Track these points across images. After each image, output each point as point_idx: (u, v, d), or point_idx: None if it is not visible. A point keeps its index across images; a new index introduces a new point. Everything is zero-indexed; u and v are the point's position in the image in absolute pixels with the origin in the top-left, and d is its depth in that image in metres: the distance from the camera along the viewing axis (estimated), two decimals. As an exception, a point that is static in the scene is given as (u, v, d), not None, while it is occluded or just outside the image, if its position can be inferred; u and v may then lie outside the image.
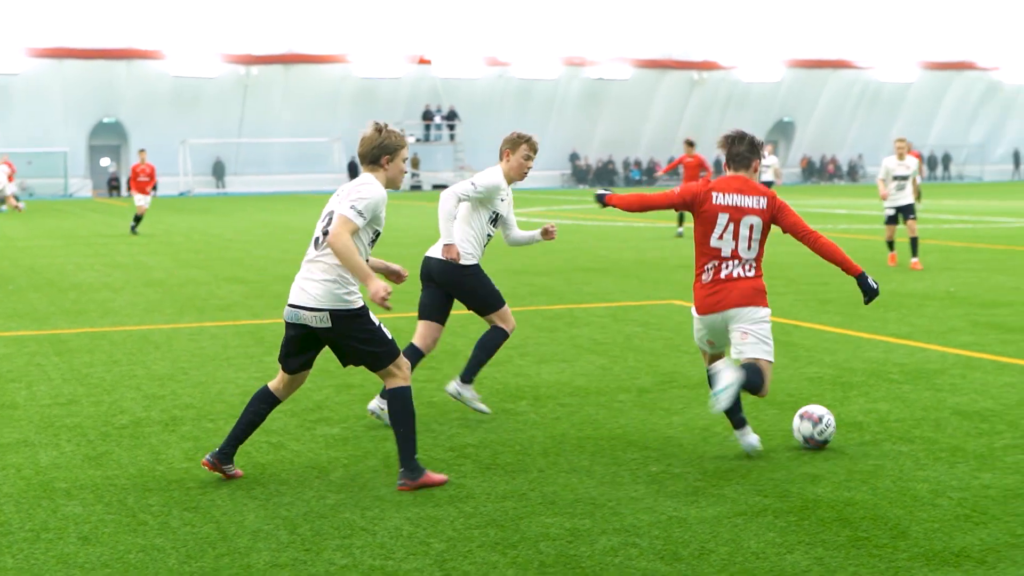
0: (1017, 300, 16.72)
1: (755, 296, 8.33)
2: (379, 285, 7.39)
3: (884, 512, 7.08)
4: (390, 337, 7.76)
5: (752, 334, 8.21)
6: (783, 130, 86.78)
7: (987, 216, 39.48)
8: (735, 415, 8.37)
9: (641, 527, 6.88)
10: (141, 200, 33.58)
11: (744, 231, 8.28)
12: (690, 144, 31.24)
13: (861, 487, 7.61)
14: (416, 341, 9.76)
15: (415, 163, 75.08)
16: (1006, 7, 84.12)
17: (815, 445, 8.50)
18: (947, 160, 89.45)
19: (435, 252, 9.73)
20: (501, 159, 9.77)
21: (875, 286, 8.27)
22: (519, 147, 9.69)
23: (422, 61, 74.54)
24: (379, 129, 7.79)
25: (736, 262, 8.30)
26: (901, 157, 21.29)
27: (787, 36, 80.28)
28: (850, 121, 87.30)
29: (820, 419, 8.52)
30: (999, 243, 27.12)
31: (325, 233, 7.64)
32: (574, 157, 78.10)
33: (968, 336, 13.65)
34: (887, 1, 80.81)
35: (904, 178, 21.33)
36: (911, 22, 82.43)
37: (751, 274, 8.37)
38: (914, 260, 21.00)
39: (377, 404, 9.58)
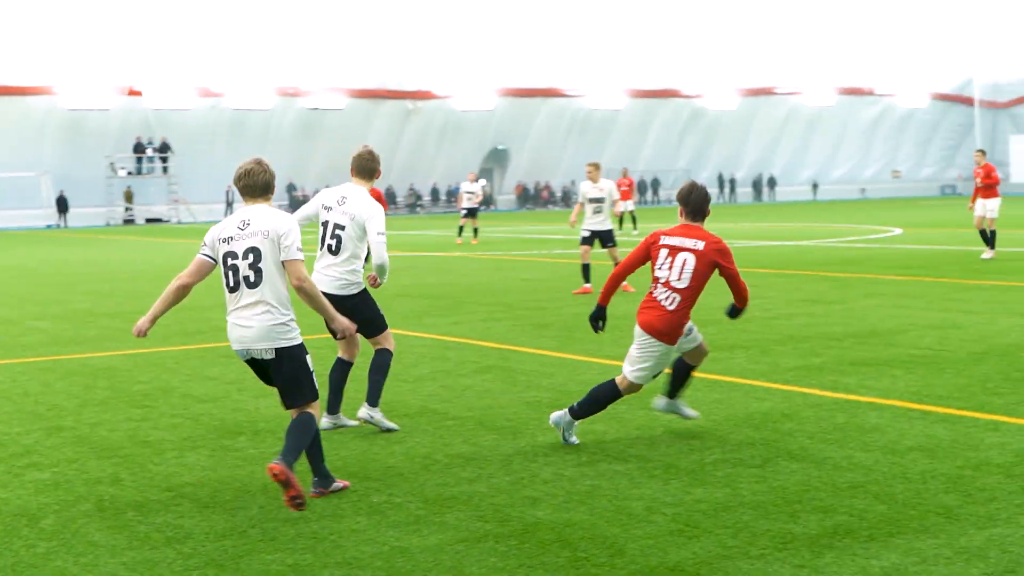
0: (721, 319, 17.33)
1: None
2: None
3: (602, 531, 7.23)
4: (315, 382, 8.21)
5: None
6: (498, 158, 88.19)
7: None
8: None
9: (363, 559, 6.86)
10: None
11: (678, 263, 9.46)
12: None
13: (579, 507, 7.76)
14: (343, 355, 10.38)
15: (128, 196, 73.37)
16: (706, 37, 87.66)
17: None
18: (656, 184, 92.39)
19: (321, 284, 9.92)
20: (373, 178, 10.30)
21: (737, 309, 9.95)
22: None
23: (132, 92, 73.01)
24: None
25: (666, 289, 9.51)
26: (594, 180, 21.70)
27: (500, 65, 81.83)
28: (563, 148, 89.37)
29: None
30: (706, 264, 28.03)
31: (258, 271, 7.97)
32: (291, 188, 77.46)
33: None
34: (595, 31, 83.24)
35: (599, 200, 21.63)
36: (618, 52, 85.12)
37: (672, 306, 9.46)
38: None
39: (367, 411, 10.13)
